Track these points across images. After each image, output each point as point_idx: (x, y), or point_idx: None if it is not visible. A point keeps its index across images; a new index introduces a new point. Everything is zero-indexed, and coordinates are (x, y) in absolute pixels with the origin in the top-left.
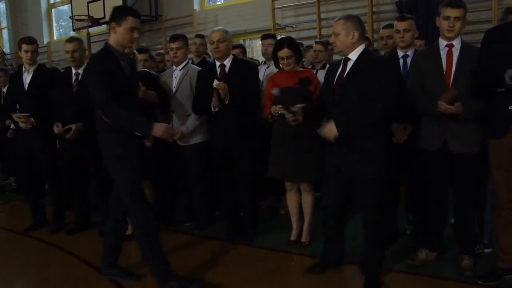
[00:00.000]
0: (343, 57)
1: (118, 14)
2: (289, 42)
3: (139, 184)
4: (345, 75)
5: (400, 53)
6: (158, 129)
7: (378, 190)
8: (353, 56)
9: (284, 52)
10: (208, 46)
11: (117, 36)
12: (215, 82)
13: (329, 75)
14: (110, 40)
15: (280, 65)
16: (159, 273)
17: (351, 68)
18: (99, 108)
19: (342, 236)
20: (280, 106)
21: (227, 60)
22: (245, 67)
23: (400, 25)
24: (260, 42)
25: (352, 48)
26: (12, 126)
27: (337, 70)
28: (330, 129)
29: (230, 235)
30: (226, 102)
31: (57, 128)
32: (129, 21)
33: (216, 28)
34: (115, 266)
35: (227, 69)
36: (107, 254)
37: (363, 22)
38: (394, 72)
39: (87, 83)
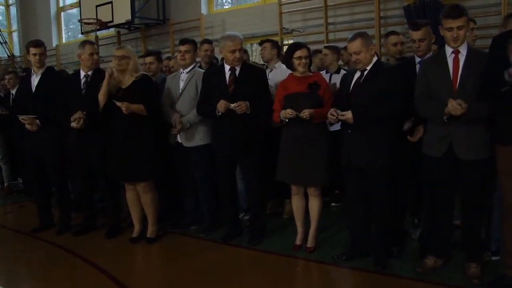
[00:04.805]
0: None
1: None
2: (305, 44)
3: None
4: (361, 81)
5: (417, 59)
6: None
7: (386, 181)
8: (369, 66)
9: (304, 52)
10: (217, 50)
11: None
12: (232, 105)
13: (345, 83)
14: None
15: (297, 65)
16: None
17: (366, 75)
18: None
19: (367, 227)
20: (290, 110)
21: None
22: (254, 73)
23: (415, 35)
24: None
25: (371, 60)
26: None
27: (353, 78)
28: (347, 117)
29: (226, 237)
30: (249, 112)
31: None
32: None
33: (233, 34)
34: None
35: (237, 72)
36: None
37: (371, 27)
38: (403, 77)
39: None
